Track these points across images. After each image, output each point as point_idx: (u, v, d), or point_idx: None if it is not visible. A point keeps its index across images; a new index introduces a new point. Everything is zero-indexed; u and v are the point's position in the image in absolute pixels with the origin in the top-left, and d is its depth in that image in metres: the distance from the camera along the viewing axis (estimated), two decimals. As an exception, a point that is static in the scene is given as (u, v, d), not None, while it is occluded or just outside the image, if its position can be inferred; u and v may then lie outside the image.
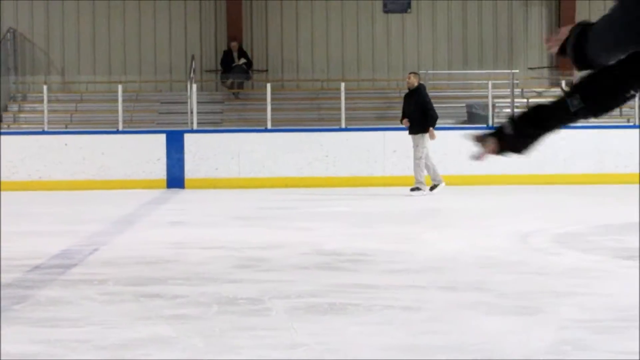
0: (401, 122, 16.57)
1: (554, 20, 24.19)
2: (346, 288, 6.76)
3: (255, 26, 24.09)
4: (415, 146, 16.28)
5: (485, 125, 19.63)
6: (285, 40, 24.06)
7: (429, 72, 22.14)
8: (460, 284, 6.91)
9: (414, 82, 16.45)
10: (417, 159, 16.27)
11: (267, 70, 23.97)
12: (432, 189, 16.47)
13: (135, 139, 19.16)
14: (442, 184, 16.46)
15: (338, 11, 23.99)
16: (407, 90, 16.68)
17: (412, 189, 16.41)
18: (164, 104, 22.58)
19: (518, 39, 24.26)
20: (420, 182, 16.33)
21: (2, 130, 20.43)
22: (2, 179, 18.33)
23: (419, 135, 16.24)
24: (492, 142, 2.35)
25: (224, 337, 5.17)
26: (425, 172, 16.30)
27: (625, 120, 21.38)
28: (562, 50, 2.46)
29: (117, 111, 19.63)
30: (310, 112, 22.05)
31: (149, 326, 5.44)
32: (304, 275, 7.36)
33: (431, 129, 16.15)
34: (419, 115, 16.18)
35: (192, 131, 19.45)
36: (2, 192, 16.98)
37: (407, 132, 16.40)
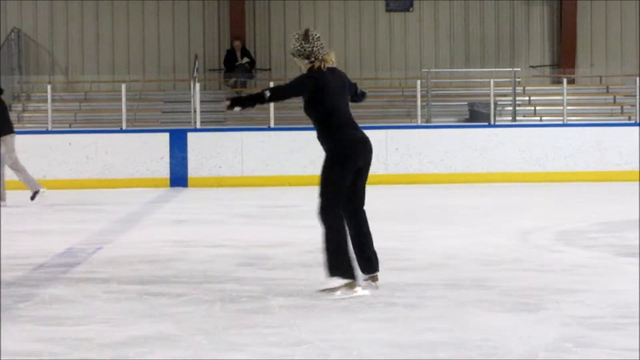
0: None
1: (555, 19, 24.18)
2: (349, 286, 6.77)
3: (258, 25, 24.10)
4: (11, 151, 14.83)
5: (487, 124, 19.63)
6: (288, 39, 23.92)
7: (431, 70, 22.14)
8: (463, 281, 6.93)
9: None
10: (14, 163, 14.82)
11: (269, 69, 23.99)
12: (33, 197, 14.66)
13: (138, 138, 19.16)
14: (42, 191, 14.63)
15: (341, 10, 24.00)
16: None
17: (33, 197, 14.67)
18: (168, 103, 22.60)
19: (520, 37, 24.25)
20: (37, 184, 14.75)
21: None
22: (6, 178, 18.30)
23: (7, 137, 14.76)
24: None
25: (228, 334, 5.19)
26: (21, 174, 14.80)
27: (626, 118, 21.38)
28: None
29: (120, 110, 19.63)
30: (313, 110, 22.03)
31: (153, 324, 5.47)
32: (307, 273, 7.39)
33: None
34: None
35: (195, 130, 19.45)
36: (6, 191, 16.97)
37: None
